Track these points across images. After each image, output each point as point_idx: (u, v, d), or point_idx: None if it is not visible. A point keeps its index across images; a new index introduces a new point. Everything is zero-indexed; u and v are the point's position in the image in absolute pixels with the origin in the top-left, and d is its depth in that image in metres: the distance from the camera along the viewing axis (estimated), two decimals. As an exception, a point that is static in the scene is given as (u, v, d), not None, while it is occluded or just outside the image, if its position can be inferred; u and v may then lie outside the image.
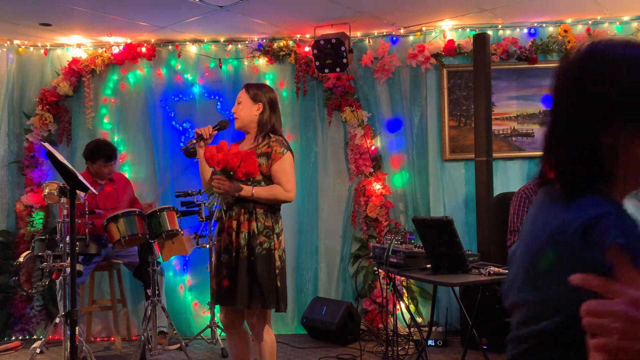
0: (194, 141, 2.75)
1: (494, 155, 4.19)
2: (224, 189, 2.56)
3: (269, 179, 2.70)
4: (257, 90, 2.83)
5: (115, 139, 4.76)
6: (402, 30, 4.66)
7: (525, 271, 1.02)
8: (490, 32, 4.38)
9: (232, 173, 2.50)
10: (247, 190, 2.62)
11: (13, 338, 4.51)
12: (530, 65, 4.50)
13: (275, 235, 2.70)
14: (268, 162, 2.69)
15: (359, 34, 4.71)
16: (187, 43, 4.80)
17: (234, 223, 2.66)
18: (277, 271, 2.67)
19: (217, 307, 3.95)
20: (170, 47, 4.82)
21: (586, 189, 0.95)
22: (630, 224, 0.89)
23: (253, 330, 2.71)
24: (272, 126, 2.81)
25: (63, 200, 3.30)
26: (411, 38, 4.69)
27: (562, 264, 0.91)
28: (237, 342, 2.83)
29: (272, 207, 2.74)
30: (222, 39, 4.80)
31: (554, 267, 0.93)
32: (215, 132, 2.81)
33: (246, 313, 2.69)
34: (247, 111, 2.79)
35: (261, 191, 2.66)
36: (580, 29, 4.50)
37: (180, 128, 4.83)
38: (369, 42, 4.73)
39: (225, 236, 2.69)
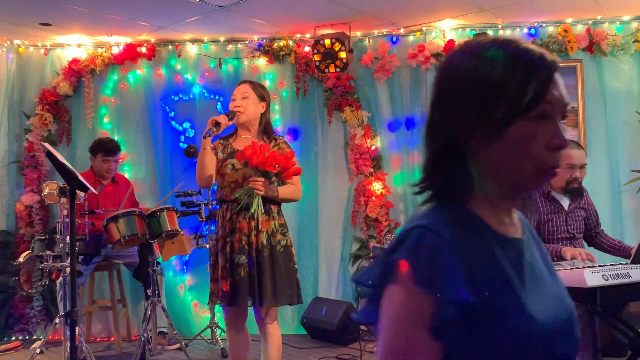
0: (214, 129, 2.73)
1: (494, 155, 4.18)
2: (264, 190, 2.62)
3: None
4: (262, 90, 2.88)
5: (115, 139, 4.75)
6: (402, 30, 4.65)
7: None
8: (490, 32, 4.38)
9: (276, 175, 2.60)
10: (275, 190, 2.72)
11: (13, 338, 4.51)
12: (530, 65, 4.49)
13: (288, 232, 2.81)
14: None
15: (359, 34, 4.71)
16: (187, 43, 4.80)
17: (252, 223, 2.69)
18: (295, 266, 2.78)
19: (217, 307, 3.93)
20: (170, 47, 4.82)
21: (440, 198, 0.92)
22: (435, 242, 0.84)
23: (264, 326, 2.73)
24: (270, 126, 2.91)
25: (63, 200, 3.29)
26: (411, 38, 4.69)
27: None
28: (239, 342, 2.85)
29: (281, 205, 2.84)
30: (222, 39, 4.80)
31: None
32: (230, 122, 2.81)
33: (261, 311, 2.71)
34: (254, 108, 2.82)
35: (283, 191, 2.75)
36: (580, 29, 4.49)
37: (180, 128, 4.83)
38: (369, 42, 4.72)
39: (239, 237, 2.69)
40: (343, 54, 4.28)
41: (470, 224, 0.90)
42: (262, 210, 2.67)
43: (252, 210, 2.61)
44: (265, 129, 2.85)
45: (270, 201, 2.74)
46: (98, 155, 4.19)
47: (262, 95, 2.85)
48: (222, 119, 2.74)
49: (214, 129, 2.72)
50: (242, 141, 2.82)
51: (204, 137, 2.70)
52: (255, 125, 2.84)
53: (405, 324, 0.82)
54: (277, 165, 2.57)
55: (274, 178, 2.68)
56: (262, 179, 2.60)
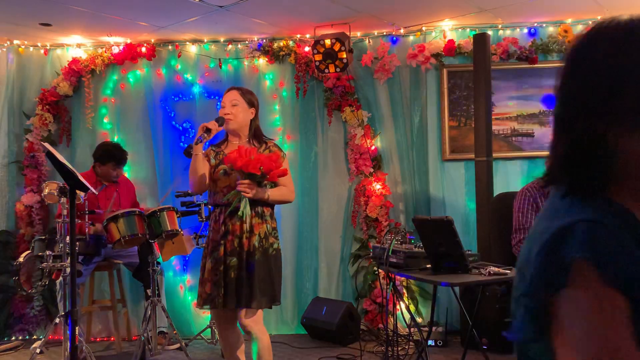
0: (205, 135, 2.74)
1: (494, 155, 4.19)
2: (252, 192, 2.63)
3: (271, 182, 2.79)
4: (250, 95, 2.91)
5: (115, 139, 4.76)
6: (402, 30, 4.66)
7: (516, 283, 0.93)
8: (490, 32, 4.38)
9: (260, 176, 2.59)
10: (265, 192, 2.73)
11: (13, 338, 4.51)
12: (530, 65, 4.50)
13: (278, 236, 2.83)
14: None
15: (359, 34, 4.71)
16: (187, 43, 4.80)
17: (244, 225, 2.70)
18: (281, 269, 2.82)
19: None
20: (170, 47, 4.82)
21: (582, 190, 0.85)
22: (609, 234, 0.76)
23: (250, 330, 2.72)
24: (260, 131, 2.93)
25: (63, 200, 3.30)
26: (411, 38, 4.69)
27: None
28: (231, 342, 2.87)
29: (273, 208, 2.85)
30: (222, 39, 4.80)
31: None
32: (221, 128, 2.83)
33: (245, 313, 2.71)
34: (244, 114, 2.85)
35: (274, 193, 2.75)
36: (580, 29, 4.49)
37: (180, 128, 4.83)
38: (369, 42, 4.72)
39: (232, 239, 2.71)
40: (343, 54, 4.28)
41: (623, 216, 0.83)
42: (250, 212, 2.67)
43: (239, 213, 2.63)
44: (256, 134, 2.89)
45: (262, 204, 2.75)
46: (108, 164, 4.21)
47: (251, 101, 2.88)
48: (213, 125, 2.77)
49: (205, 135, 2.73)
50: (233, 147, 2.84)
51: (196, 144, 2.72)
52: (245, 132, 2.87)
53: (607, 334, 0.72)
54: (261, 168, 2.57)
55: (266, 181, 2.69)
56: (248, 181, 2.61)
